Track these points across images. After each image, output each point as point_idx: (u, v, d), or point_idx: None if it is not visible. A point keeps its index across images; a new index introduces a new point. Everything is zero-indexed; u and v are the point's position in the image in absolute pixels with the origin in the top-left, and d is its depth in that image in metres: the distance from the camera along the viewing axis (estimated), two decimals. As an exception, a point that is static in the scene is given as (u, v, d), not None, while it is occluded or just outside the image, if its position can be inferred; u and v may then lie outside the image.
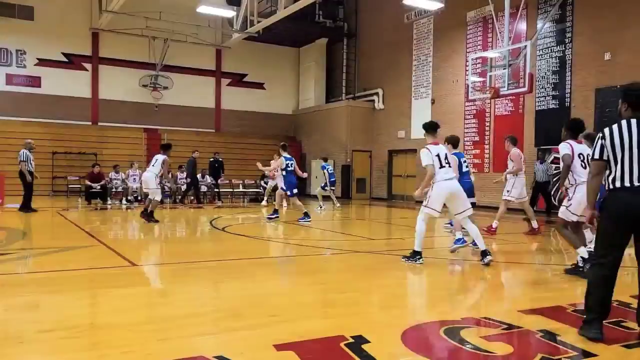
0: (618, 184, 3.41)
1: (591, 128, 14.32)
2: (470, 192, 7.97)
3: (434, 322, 3.87)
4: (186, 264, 6.34)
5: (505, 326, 3.74)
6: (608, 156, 3.47)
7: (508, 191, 9.68)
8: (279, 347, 3.19)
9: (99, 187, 16.95)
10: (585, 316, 3.54)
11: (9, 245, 7.81)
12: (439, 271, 6.48)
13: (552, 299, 4.71)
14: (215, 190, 19.14)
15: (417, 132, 20.60)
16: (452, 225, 9.61)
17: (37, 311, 4.18)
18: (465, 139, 18.55)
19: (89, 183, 16.92)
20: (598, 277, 3.49)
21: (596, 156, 3.53)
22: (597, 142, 3.55)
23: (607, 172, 3.51)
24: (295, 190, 11.69)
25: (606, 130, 3.51)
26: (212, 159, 19.38)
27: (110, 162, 19.16)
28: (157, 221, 10.95)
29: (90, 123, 21.95)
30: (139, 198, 17.44)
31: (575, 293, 4.98)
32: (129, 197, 17.35)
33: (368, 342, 3.32)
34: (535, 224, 9.93)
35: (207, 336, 3.49)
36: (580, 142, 6.03)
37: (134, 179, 17.72)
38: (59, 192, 19.73)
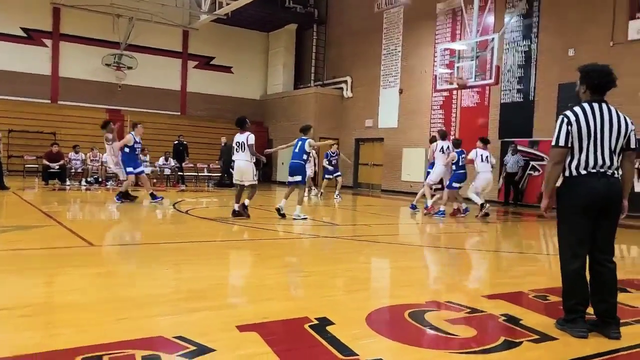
0: (583, 171, 3.31)
1: (553, 123, 14.65)
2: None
3: (398, 305, 3.86)
4: (147, 246, 6.18)
5: (469, 310, 3.76)
6: (572, 142, 3.33)
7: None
8: (242, 328, 3.12)
9: (57, 167, 16.41)
10: (566, 314, 3.39)
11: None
12: (404, 257, 6.50)
13: (513, 284, 4.77)
14: (179, 173, 18.81)
15: (385, 122, 20.71)
16: (413, 208, 10.32)
17: (-13, 290, 3.99)
18: (432, 129, 18.70)
19: (46, 163, 16.36)
20: (576, 274, 3.33)
21: (561, 143, 3.33)
22: (561, 127, 3.36)
23: (569, 158, 3.37)
24: None
25: (571, 115, 3.33)
26: (176, 142, 19.03)
27: (70, 142, 18.57)
28: (134, 198, 10.86)
29: (49, 101, 21.23)
30: (100, 180, 17.01)
31: (537, 279, 5.07)
32: (88, 179, 16.88)
33: (332, 323, 3.28)
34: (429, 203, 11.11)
35: (166, 317, 3.39)
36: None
37: (94, 161, 17.26)
38: (15, 172, 19.03)
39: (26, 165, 18.72)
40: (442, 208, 10.81)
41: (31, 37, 20.77)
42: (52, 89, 21.34)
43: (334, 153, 14.96)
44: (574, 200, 3.36)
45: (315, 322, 3.30)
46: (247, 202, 9.09)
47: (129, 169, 11.06)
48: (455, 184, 10.83)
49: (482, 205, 10.55)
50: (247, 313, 3.48)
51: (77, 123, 20.72)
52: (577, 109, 3.37)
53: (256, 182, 9.19)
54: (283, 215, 9.13)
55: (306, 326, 3.22)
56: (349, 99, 22.67)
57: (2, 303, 3.55)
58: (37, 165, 18.21)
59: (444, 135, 11.33)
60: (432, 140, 11.94)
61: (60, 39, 21.35)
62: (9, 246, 5.73)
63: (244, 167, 9.02)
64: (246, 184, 9.07)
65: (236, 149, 9.12)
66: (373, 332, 3.19)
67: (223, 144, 18.90)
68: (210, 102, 24.52)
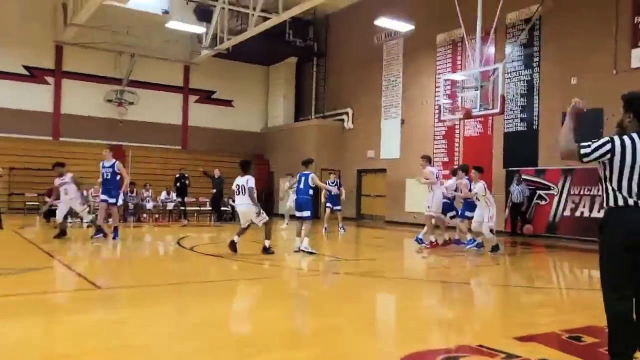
0: (621, 203, 3.12)
1: (559, 151, 14.55)
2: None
3: (427, 351, 3.64)
4: (154, 288, 5.96)
5: (503, 355, 3.54)
6: (610, 167, 3.15)
7: (429, 207, 10.60)
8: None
9: (58, 203, 16.18)
10: (612, 359, 3.17)
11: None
12: (419, 294, 6.29)
13: (543, 325, 4.56)
14: (181, 208, 18.61)
15: (387, 153, 20.65)
16: (420, 241, 10.08)
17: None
18: (435, 159, 18.62)
19: (48, 200, 16.14)
20: (622, 317, 3.11)
21: (587, 151, 3.18)
22: (602, 145, 3.16)
23: (608, 188, 3.17)
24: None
25: (617, 141, 3.14)
26: (177, 176, 18.89)
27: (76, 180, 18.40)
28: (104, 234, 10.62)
29: (51, 138, 21.18)
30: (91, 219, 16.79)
31: (565, 318, 4.85)
32: (90, 215, 16.64)
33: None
34: (433, 238, 10.67)
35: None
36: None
37: (97, 197, 17.07)
38: (16, 210, 18.84)
39: (27, 203, 18.54)
40: (469, 237, 10.77)
41: (33, 75, 20.86)
42: (53, 126, 21.32)
43: (333, 182, 14.66)
44: (617, 237, 3.15)
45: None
46: (267, 242, 8.91)
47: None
48: (468, 213, 10.67)
49: (497, 245, 10.11)
50: (269, 363, 3.27)
51: (78, 159, 20.61)
52: (626, 139, 3.17)
53: (267, 218, 9.00)
54: (303, 252, 9.14)
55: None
56: (350, 130, 22.66)
57: (5, 354, 3.33)
58: (37, 203, 18.03)
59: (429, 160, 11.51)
60: (454, 173, 11.91)
61: (63, 76, 21.43)
62: (14, 290, 5.51)
63: (246, 210, 8.88)
64: (259, 224, 8.90)
65: (237, 192, 8.92)
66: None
67: (217, 177, 18.71)
68: (211, 136, 24.50)
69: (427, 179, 10.82)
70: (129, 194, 18.19)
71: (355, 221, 21.09)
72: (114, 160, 10.96)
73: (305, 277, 7.36)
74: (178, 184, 18.40)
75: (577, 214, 14.16)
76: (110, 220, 11.46)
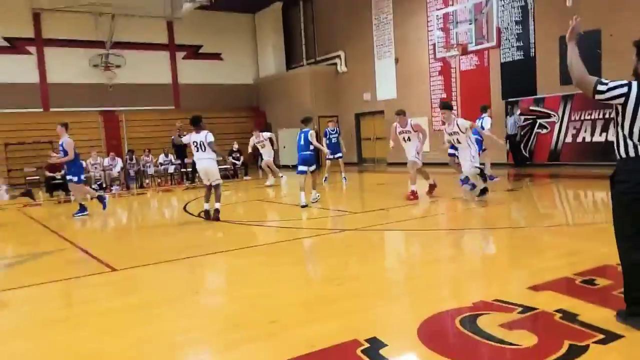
0: (632, 152, 3.07)
1: (557, 78, 14.35)
2: None
3: (446, 312, 3.68)
4: (167, 263, 6.00)
5: (520, 309, 3.58)
6: (623, 112, 3.06)
7: (417, 154, 9.93)
8: (292, 364, 2.95)
9: (59, 177, 16.15)
10: (629, 307, 3.20)
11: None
12: (431, 246, 6.34)
13: (554, 269, 4.59)
14: (182, 170, 18.54)
15: (383, 93, 20.36)
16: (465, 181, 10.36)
17: (17, 342, 3.80)
18: (433, 97, 18.39)
19: (48, 174, 16.10)
20: (635, 265, 3.13)
21: (602, 88, 3.07)
22: (620, 86, 3.06)
23: (619, 134, 3.12)
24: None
25: (634, 86, 3.05)
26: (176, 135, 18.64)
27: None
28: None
29: (42, 110, 20.87)
30: (104, 185, 16.81)
31: (577, 259, 4.89)
32: (92, 186, 16.65)
33: (385, 345, 3.11)
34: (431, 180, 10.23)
35: (212, 355, 3.21)
36: None
37: (95, 166, 17.03)
38: (18, 186, 18.81)
39: (27, 178, 18.48)
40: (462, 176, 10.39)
41: (14, 45, 20.33)
42: (42, 97, 20.97)
43: (333, 131, 14.48)
44: (628, 187, 3.12)
45: (366, 344, 3.12)
46: (217, 205, 8.75)
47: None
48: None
49: (485, 189, 9.29)
50: (292, 341, 3.30)
51: (72, 129, 20.38)
52: (635, 82, 3.09)
53: (221, 181, 9.02)
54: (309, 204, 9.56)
55: (358, 352, 3.04)
56: (344, 74, 22.27)
57: (35, 356, 3.38)
58: (38, 177, 17.98)
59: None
60: (485, 109, 11.92)
61: (44, 44, 20.88)
62: (29, 281, 5.54)
63: (208, 166, 8.72)
64: (214, 183, 8.78)
65: (196, 149, 8.73)
66: (430, 351, 3.01)
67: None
68: (204, 92, 24.11)
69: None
70: (128, 160, 18.11)
71: (357, 166, 21.08)
72: (64, 137, 10.52)
73: (317, 237, 7.40)
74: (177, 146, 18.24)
75: (579, 139, 14.12)
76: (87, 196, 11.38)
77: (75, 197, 10.88)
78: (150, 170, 18.08)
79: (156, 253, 6.65)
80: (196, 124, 8.71)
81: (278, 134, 23.72)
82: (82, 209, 10.52)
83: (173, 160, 18.42)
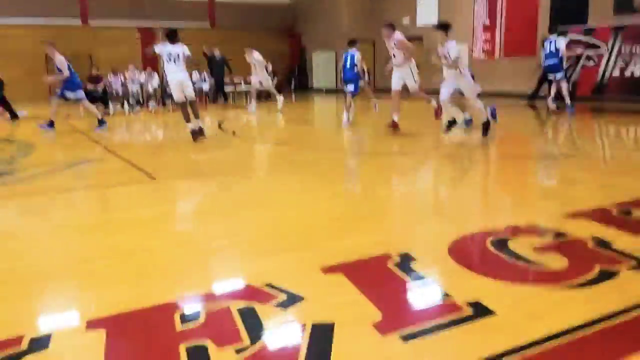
0: None
1: (611, 5, 13.54)
2: None
3: (478, 233, 3.75)
4: (206, 177, 6.17)
5: (554, 234, 3.62)
6: None
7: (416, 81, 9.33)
8: (327, 270, 3.08)
9: (100, 90, 16.42)
10: None
11: (21, 160, 7.61)
12: (464, 170, 6.33)
13: (590, 199, 4.57)
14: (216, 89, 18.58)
15: (424, 18, 19.63)
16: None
17: (74, 237, 4.05)
18: (475, 23, 17.66)
19: (89, 87, 16.35)
20: None
21: None
22: None
23: None
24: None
25: None
26: (210, 55, 18.59)
27: (105, 64, 18.43)
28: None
29: (80, 23, 20.88)
30: (141, 101, 17.04)
31: (612, 192, 4.84)
32: (130, 101, 16.92)
33: (415, 260, 3.21)
34: (434, 103, 9.58)
35: (250, 262, 3.37)
36: None
37: (133, 80, 17.19)
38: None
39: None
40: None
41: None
42: (81, 10, 20.89)
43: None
44: None
45: (398, 259, 3.23)
46: (199, 122, 8.62)
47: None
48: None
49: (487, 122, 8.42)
50: (326, 252, 3.43)
51: (111, 43, 20.48)
52: None
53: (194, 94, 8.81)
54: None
55: (390, 265, 3.15)
56: (385, -4, 21.45)
57: (82, 253, 3.61)
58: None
59: None
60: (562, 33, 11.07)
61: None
62: (73, 185, 5.81)
63: (183, 79, 8.49)
64: (190, 98, 8.61)
65: (168, 61, 8.35)
66: (460, 267, 3.10)
67: (218, 57, 18.00)
68: (240, 11, 23.65)
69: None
70: (165, 77, 18.17)
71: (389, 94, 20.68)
72: (56, 56, 10.49)
73: (350, 159, 7.46)
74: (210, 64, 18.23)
75: (627, 74, 13.51)
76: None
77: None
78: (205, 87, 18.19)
79: (192, 167, 6.83)
80: (173, 37, 8.41)
81: (312, 57, 23.37)
82: (102, 122, 10.82)
83: (207, 78, 18.43)
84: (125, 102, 16.89)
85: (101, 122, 10.69)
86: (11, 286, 3.05)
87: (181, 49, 8.37)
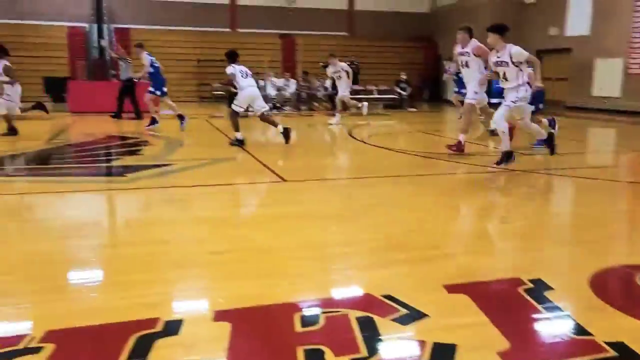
0: None
1: None
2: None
3: (625, 266, 3.37)
4: (334, 181, 6.28)
5: None
6: None
7: (476, 92, 7.91)
8: (450, 289, 2.95)
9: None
10: None
11: (168, 155, 8.31)
12: (610, 196, 5.76)
13: None
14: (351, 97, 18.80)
15: (574, 29, 18.32)
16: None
17: (207, 230, 4.32)
18: (633, 35, 16.07)
19: (233, 90, 17.42)
20: None
21: None
22: None
23: None
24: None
25: None
26: (347, 63, 18.85)
27: (251, 70, 19.52)
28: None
29: (229, 30, 22.37)
30: (278, 105, 17.80)
31: None
32: (268, 104, 17.76)
33: (550, 288, 2.95)
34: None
35: (371, 270, 3.34)
36: None
37: (272, 86, 18.03)
38: (205, 100, 20.76)
39: (213, 92, 20.27)
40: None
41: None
42: (230, 17, 22.38)
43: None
44: None
45: (530, 285, 3.00)
46: (281, 127, 9.13)
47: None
48: None
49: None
50: (451, 269, 3.29)
51: (255, 50, 21.69)
52: None
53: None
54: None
55: (520, 290, 2.94)
56: (531, 5, 20.32)
57: (213, 245, 3.82)
58: (223, 92, 19.59)
59: None
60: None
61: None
62: (213, 181, 6.21)
63: (256, 95, 9.12)
64: (265, 112, 9.32)
65: (243, 77, 8.99)
66: (603, 303, 2.80)
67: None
68: (377, 19, 23.80)
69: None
70: (302, 83, 18.87)
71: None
72: (144, 55, 11.61)
73: (483, 174, 7.14)
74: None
75: None
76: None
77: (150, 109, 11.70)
78: (320, 94, 18.68)
79: (321, 171, 6.98)
80: (234, 57, 9.11)
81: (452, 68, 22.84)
82: (154, 121, 11.43)
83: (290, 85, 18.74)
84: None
85: (181, 118, 11.33)
86: (150, 270, 3.32)
87: (243, 67, 9.13)
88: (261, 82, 18.11)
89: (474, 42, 7.86)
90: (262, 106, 9.23)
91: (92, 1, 18.37)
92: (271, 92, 17.94)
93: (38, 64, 18.92)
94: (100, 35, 17.87)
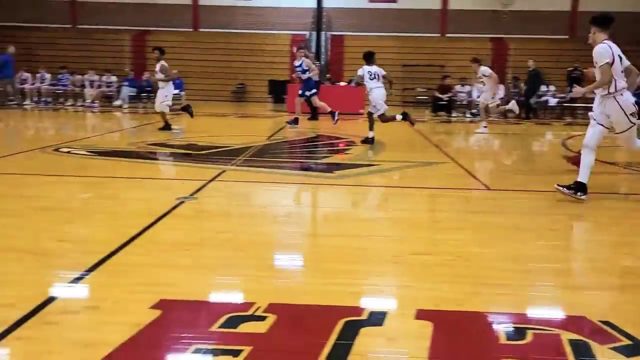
0: None
1: None
2: None
3: None
4: (542, 194, 5.87)
5: None
6: None
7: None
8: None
9: (446, 98, 17.34)
10: None
11: (374, 156, 8.61)
12: None
13: None
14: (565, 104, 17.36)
15: None
16: None
17: (409, 230, 4.41)
18: None
19: (437, 95, 17.44)
20: None
21: None
22: None
23: None
24: None
25: None
26: (570, 69, 17.36)
27: (455, 75, 19.23)
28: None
29: (439, 35, 22.29)
30: (476, 113, 17.24)
31: None
32: (472, 111, 17.32)
33: None
34: None
35: (582, 291, 3.09)
36: None
37: (478, 90, 17.50)
38: (408, 103, 20.98)
39: (417, 97, 20.42)
40: None
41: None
42: (441, 23, 22.29)
43: None
44: None
45: None
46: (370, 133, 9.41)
47: None
48: None
49: None
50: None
51: (463, 55, 21.28)
52: None
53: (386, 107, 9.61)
54: None
55: None
56: None
57: (413, 246, 3.87)
58: (426, 97, 19.66)
59: None
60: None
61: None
62: (415, 183, 6.30)
63: (378, 95, 9.36)
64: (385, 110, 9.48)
65: (370, 78, 9.29)
66: None
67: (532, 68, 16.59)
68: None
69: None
70: (512, 89, 18.01)
71: None
72: (302, 59, 12.06)
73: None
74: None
75: None
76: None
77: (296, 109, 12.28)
78: (553, 102, 17.64)
79: (529, 180, 6.60)
80: (370, 59, 9.44)
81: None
82: (295, 120, 11.88)
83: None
84: (467, 112, 17.36)
85: (333, 114, 11.15)
86: (352, 262, 3.51)
87: (378, 68, 9.44)
88: (467, 88, 17.72)
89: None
90: (384, 108, 9.53)
91: (313, 12, 19.96)
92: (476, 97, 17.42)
93: (264, 68, 21.16)
94: (318, 42, 19.28)
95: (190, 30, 23.24)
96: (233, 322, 2.52)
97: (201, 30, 23.27)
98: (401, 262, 3.52)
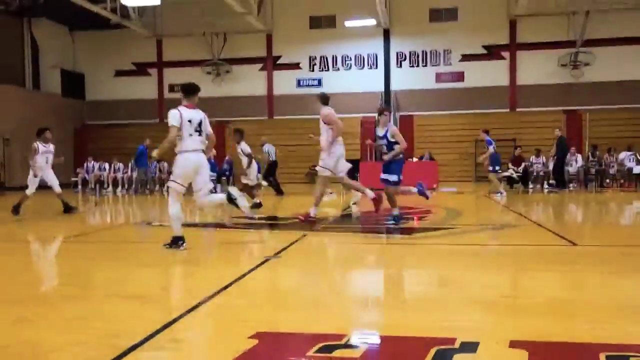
0: None
1: None
2: None
3: None
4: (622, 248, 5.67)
5: None
6: None
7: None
8: None
9: (519, 170, 17.13)
10: None
11: (450, 220, 8.61)
12: None
13: None
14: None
15: None
16: None
17: (492, 278, 4.39)
18: None
19: (511, 167, 17.29)
20: None
21: None
22: None
23: None
24: None
25: None
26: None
27: (528, 147, 19.02)
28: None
29: (508, 110, 22.32)
30: (553, 184, 16.84)
31: None
32: (550, 181, 17.00)
33: None
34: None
35: None
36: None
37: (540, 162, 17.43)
38: (481, 179, 20.78)
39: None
40: None
41: (491, 52, 22.31)
42: (510, 98, 22.38)
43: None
44: None
45: None
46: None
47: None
48: None
49: None
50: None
51: (535, 127, 21.13)
52: None
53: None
54: None
55: None
56: None
57: (499, 291, 3.84)
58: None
59: None
60: None
61: (517, 48, 22.17)
62: (493, 242, 6.24)
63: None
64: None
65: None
66: None
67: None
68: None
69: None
70: (591, 158, 17.59)
71: None
72: (388, 126, 8.38)
73: None
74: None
75: None
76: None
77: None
78: (612, 170, 17.07)
79: (618, 237, 6.39)
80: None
81: None
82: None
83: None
84: (545, 183, 17.09)
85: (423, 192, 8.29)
86: (444, 302, 3.59)
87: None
88: (542, 159, 17.51)
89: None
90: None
91: (381, 94, 20.63)
92: (535, 168, 17.22)
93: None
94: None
95: (265, 118, 24.44)
96: (327, 349, 2.62)
97: (275, 117, 24.42)
98: (491, 302, 3.56)
